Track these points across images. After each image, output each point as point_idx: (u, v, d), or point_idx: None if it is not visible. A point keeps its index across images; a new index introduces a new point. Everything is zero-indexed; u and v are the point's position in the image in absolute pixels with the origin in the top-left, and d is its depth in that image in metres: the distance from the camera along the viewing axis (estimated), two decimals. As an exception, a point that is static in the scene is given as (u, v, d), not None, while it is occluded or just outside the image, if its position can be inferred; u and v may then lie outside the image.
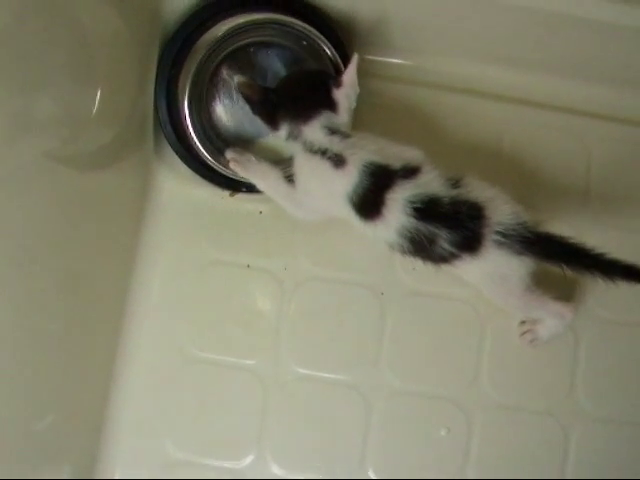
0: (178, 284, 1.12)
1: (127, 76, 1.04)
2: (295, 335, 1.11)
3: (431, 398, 1.11)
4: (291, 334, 1.11)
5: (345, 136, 0.94)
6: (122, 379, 1.10)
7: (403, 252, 0.94)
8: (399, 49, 1.18)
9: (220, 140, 1.07)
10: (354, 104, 0.99)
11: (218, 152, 1.05)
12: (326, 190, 0.95)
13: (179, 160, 1.08)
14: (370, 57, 1.17)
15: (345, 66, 1.01)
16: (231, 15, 1.04)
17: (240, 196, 1.10)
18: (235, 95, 1.06)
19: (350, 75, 0.97)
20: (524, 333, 1.09)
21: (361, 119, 1.08)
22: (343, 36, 1.10)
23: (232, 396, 1.10)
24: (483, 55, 1.16)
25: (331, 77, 1.00)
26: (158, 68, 1.06)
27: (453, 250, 0.92)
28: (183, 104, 1.03)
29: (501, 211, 0.92)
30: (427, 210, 0.91)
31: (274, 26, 1.04)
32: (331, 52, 1.04)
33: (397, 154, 0.94)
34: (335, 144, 0.93)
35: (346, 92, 0.97)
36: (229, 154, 1.03)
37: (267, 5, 1.05)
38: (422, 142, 1.12)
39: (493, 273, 0.96)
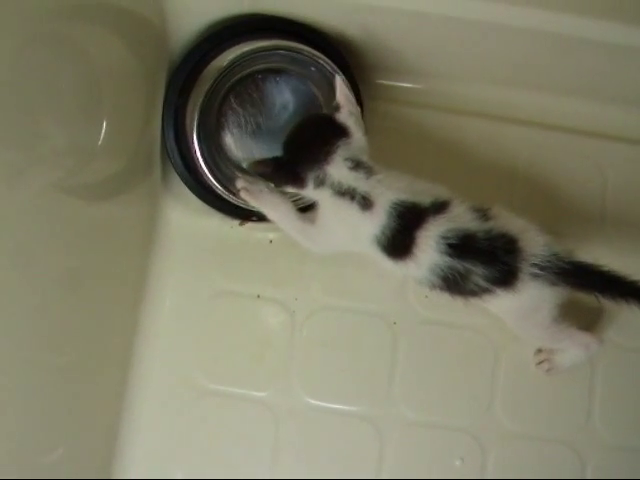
0: (187, 315, 1.10)
1: (134, 107, 1.04)
2: (307, 366, 1.09)
3: (445, 428, 1.09)
4: (303, 365, 1.09)
5: (370, 171, 0.91)
6: (131, 412, 1.09)
7: (432, 288, 0.93)
8: (410, 73, 1.17)
9: (229, 169, 1.05)
10: (363, 124, 0.96)
11: (227, 181, 1.04)
12: (352, 233, 0.94)
13: (187, 190, 1.07)
14: (381, 81, 1.17)
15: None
16: (237, 43, 1.03)
17: (250, 225, 1.09)
18: (243, 123, 1.05)
19: (341, 94, 0.94)
20: (541, 362, 1.07)
21: (373, 143, 1.06)
22: (351, 61, 1.09)
23: (244, 428, 1.09)
24: (495, 78, 1.15)
25: (332, 109, 0.97)
26: (165, 98, 1.05)
27: (487, 285, 0.90)
28: (191, 133, 1.02)
29: (535, 242, 0.91)
30: (462, 246, 0.89)
31: (281, 52, 1.03)
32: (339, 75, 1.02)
33: (424, 190, 0.92)
34: (362, 182, 0.90)
35: (348, 111, 0.94)
36: (240, 183, 0.99)
37: (273, 32, 1.04)
38: (435, 166, 1.13)
39: (525, 306, 0.94)
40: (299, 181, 0.93)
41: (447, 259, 0.89)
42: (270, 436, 1.08)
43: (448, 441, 1.09)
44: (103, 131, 0.95)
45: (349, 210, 0.91)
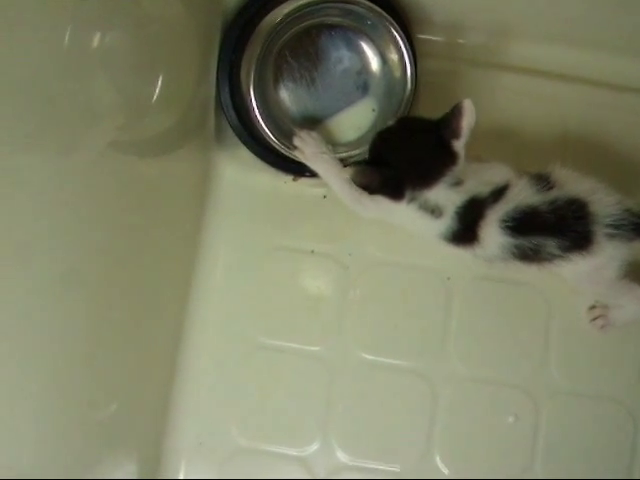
0: (241, 271, 1.10)
1: (188, 61, 1.03)
2: (360, 321, 1.09)
3: (498, 385, 1.09)
4: (356, 320, 1.09)
5: (456, 184, 0.91)
6: (186, 367, 1.09)
7: (504, 263, 0.94)
8: (458, 28, 1.14)
9: (284, 123, 1.05)
10: None
11: (282, 135, 1.03)
12: (415, 229, 0.96)
13: (241, 145, 1.07)
14: (430, 37, 1.14)
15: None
16: (292, -3, 1.03)
17: (303, 180, 1.08)
18: (298, 77, 1.05)
19: (468, 123, 0.90)
20: (595, 318, 1.06)
21: (419, 100, 1.07)
22: (405, 15, 1.08)
23: (297, 382, 1.09)
24: (546, 35, 1.13)
25: (443, 126, 0.92)
26: (220, 53, 1.05)
27: (562, 253, 0.91)
28: (247, 88, 1.01)
29: (605, 202, 0.91)
30: (525, 224, 0.90)
31: (337, 5, 1.02)
32: (396, 31, 1.01)
33: (486, 178, 0.93)
34: (451, 199, 0.91)
35: (465, 141, 0.92)
36: (296, 141, 0.98)
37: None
38: (486, 126, 1.12)
39: (599, 266, 0.93)
40: (399, 197, 0.92)
41: (511, 240, 0.91)
42: (324, 390, 1.08)
43: (501, 398, 1.09)
44: (158, 86, 0.95)
45: (422, 218, 0.92)
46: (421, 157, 0.92)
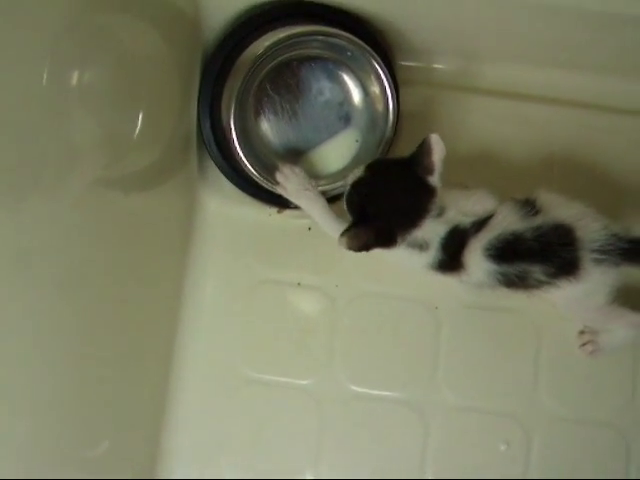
0: (228, 304, 1.10)
1: (169, 96, 1.03)
2: (349, 353, 1.09)
3: (489, 413, 1.09)
4: (345, 352, 1.09)
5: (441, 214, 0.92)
6: (175, 403, 1.09)
7: (491, 289, 0.94)
8: (438, 53, 1.15)
9: (266, 156, 1.05)
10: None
11: (265, 168, 1.03)
12: (400, 262, 0.95)
13: (224, 178, 1.07)
14: (410, 64, 1.14)
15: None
16: (273, 29, 1.01)
17: (288, 212, 1.08)
18: (280, 110, 1.05)
19: (439, 156, 0.90)
20: (584, 344, 1.06)
21: (401, 130, 1.06)
22: (386, 44, 1.08)
23: (287, 416, 1.08)
24: (529, 58, 1.13)
25: (415, 163, 0.91)
26: (200, 87, 1.05)
27: (548, 279, 0.90)
28: (228, 121, 1.00)
29: (592, 228, 0.90)
30: (509, 251, 0.89)
31: (318, 38, 1.01)
32: (378, 64, 1.01)
33: (469, 206, 0.93)
34: (436, 231, 0.91)
35: (440, 173, 0.91)
36: (279, 177, 0.97)
37: (308, 18, 1.03)
38: (468, 150, 1.12)
39: (587, 291, 0.93)
40: (394, 245, 0.91)
41: (496, 267, 0.90)
42: (314, 423, 1.08)
43: (492, 426, 1.08)
44: (140, 122, 0.95)
45: (411, 254, 0.93)
46: (404, 200, 0.92)
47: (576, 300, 0.96)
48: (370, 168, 0.93)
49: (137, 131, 0.95)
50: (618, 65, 1.12)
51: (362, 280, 1.09)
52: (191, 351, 1.09)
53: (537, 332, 1.09)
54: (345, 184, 0.95)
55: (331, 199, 1.02)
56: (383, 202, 0.91)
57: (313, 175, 1.02)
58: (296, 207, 1.03)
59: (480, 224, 0.92)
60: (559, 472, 1.08)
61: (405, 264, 0.96)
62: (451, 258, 0.93)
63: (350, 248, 0.89)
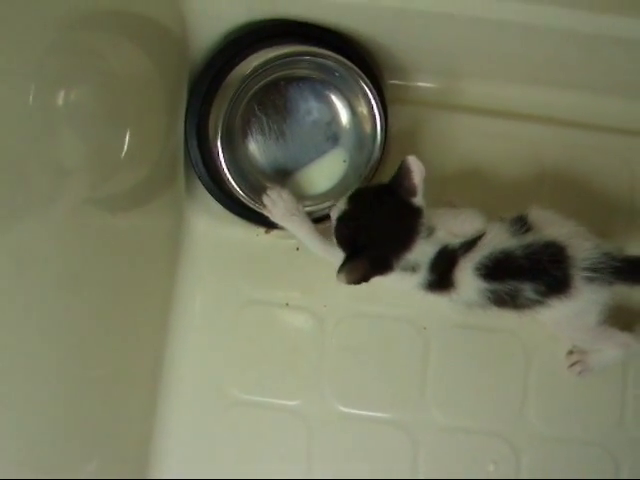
0: (216, 325, 1.09)
1: (156, 115, 1.02)
2: (337, 374, 1.08)
3: (478, 433, 1.08)
4: (333, 373, 1.08)
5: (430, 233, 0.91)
6: (163, 423, 1.08)
7: (482, 308, 0.93)
8: (429, 72, 1.14)
9: (254, 176, 1.05)
10: None
11: (252, 189, 1.03)
12: (391, 283, 0.95)
13: (212, 199, 1.06)
14: (398, 82, 1.14)
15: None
16: (260, 49, 1.01)
17: (276, 233, 1.07)
18: (267, 130, 1.04)
19: (420, 178, 0.90)
20: (573, 364, 1.06)
21: (389, 150, 1.06)
22: (374, 64, 1.08)
23: (276, 438, 1.08)
24: (517, 76, 1.13)
25: (397, 186, 0.91)
26: (188, 107, 1.04)
27: (539, 298, 0.90)
28: (215, 142, 1.00)
29: (583, 246, 0.90)
30: (499, 269, 0.89)
31: (305, 58, 1.01)
32: (366, 84, 1.01)
33: (457, 230, 0.93)
34: (425, 252, 0.91)
35: (423, 193, 0.91)
36: (267, 201, 0.97)
37: (295, 38, 1.03)
38: (458, 168, 1.12)
39: (578, 310, 0.93)
40: (390, 271, 0.91)
41: (486, 285, 0.90)
42: (302, 444, 1.07)
43: (481, 445, 1.08)
44: (127, 142, 0.94)
45: (403, 277, 0.92)
46: (392, 225, 0.91)
47: (567, 319, 0.96)
48: (352, 199, 0.93)
49: (124, 151, 0.94)
50: (608, 84, 1.12)
51: (350, 300, 1.09)
52: (178, 372, 1.08)
53: (526, 352, 1.09)
54: (331, 219, 0.95)
55: (318, 219, 1.02)
56: (372, 231, 0.91)
57: (300, 195, 1.02)
58: (283, 227, 1.04)
59: (470, 244, 0.92)
60: (548, 491, 1.08)
61: (397, 286, 0.96)
62: (441, 277, 0.92)
63: (350, 282, 0.88)
